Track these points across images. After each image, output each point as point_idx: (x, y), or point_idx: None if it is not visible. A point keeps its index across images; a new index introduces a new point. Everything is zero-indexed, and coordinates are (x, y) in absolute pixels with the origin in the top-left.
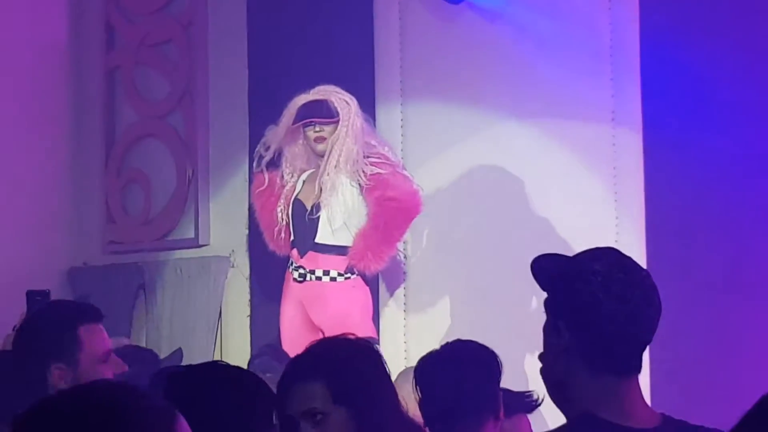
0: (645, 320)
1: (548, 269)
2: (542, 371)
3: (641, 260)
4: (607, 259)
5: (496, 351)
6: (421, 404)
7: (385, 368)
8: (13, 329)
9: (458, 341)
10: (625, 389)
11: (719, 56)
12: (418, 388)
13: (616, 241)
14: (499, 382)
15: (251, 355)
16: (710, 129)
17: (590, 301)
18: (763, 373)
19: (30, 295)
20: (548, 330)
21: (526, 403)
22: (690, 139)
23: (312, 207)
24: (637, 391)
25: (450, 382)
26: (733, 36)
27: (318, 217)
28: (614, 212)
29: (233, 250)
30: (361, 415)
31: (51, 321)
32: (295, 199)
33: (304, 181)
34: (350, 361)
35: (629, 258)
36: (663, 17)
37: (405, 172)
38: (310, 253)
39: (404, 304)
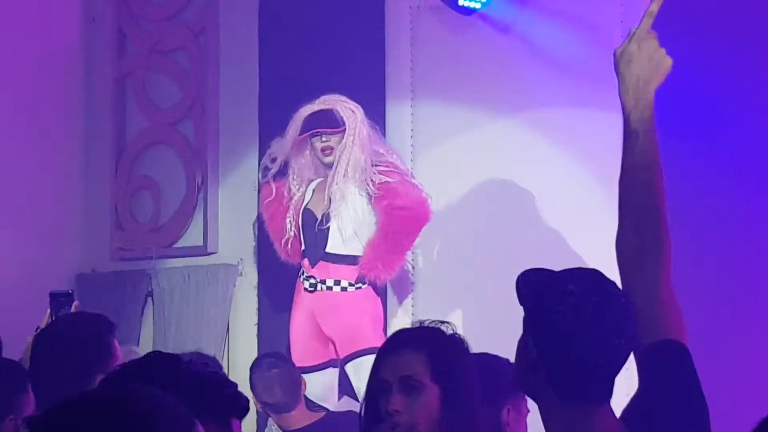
0: (613, 349)
1: (528, 285)
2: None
3: None
4: (585, 281)
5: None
6: None
7: (475, 366)
8: (37, 330)
9: (486, 355)
10: (593, 416)
11: (730, 65)
12: None
13: None
14: None
15: (257, 356)
16: (722, 138)
17: (558, 323)
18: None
19: (53, 296)
20: (520, 344)
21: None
22: (700, 148)
23: (322, 217)
24: (608, 418)
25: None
26: (745, 40)
27: (328, 227)
28: None
29: (241, 259)
30: (450, 400)
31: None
32: (305, 208)
33: (313, 191)
34: (453, 347)
35: (611, 283)
36: (674, 30)
37: (413, 181)
38: (321, 263)
39: (412, 315)
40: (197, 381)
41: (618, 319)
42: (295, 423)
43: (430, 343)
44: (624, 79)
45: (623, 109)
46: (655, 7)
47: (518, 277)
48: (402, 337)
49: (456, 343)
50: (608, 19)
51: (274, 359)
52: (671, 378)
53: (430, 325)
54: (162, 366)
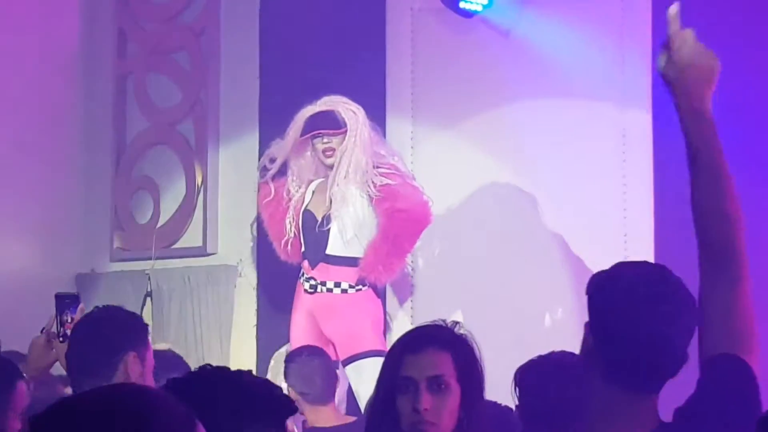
0: (662, 342)
1: (594, 277)
2: None
3: None
4: (642, 275)
5: (506, 366)
6: (521, 409)
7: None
8: (42, 331)
9: (561, 351)
10: (633, 404)
11: (735, 59)
12: (518, 393)
13: (625, 257)
14: None
15: (291, 351)
16: (725, 142)
17: (610, 314)
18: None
19: (59, 297)
20: (584, 331)
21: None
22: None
23: (323, 218)
24: (648, 409)
25: (554, 388)
26: (747, 34)
27: (329, 229)
28: (624, 229)
29: (241, 259)
30: (468, 401)
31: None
32: (305, 210)
33: (313, 192)
34: (469, 347)
35: (671, 278)
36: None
37: (415, 183)
38: (321, 265)
39: (411, 317)
40: (255, 388)
41: (670, 312)
42: (326, 419)
43: (453, 344)
44: (678, 92)
45: (681, 124)
46: (674, 9)
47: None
48: (424, 335)
49: (469, 343)
50: (609, 20)
51: (313, 350)
52: (724, 394)
53: (445, 325)
54: (220, 376)
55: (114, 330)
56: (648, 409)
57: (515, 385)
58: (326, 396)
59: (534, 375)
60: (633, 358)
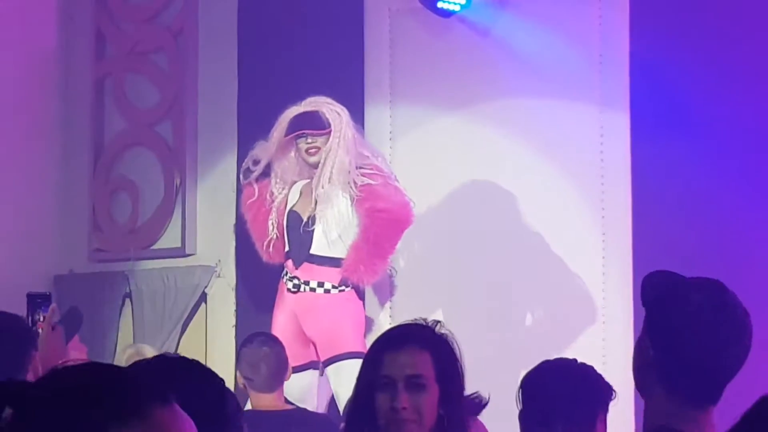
0: (728, 357)
1: (653, 288)
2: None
3: (627, 273)
4: (708, 291)
5: (488, 365)
6: (525, 413)
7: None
8: None
9: (565, 358)
10: (696, 419)
11: (710, 66)
12: (521, 398)
13: (603, 257)
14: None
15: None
16: (701, 143)
17: (678, 327)
18: (757, 377)
19: (31, 297)
20: (638, 343)
21: (473, 404)
22: (679, 160)
23: (308, 219)
24: (709, 422)
25: (559, 393)
26: (724, 39)
27: (313, 229)
28: (601, 228)
29: (219, 260)
30: (447, 399)
31: None
32: (291, 210)
33: (301, 192)
34: (449, 346)
35: (732, 295)
36: (653, 37)
37: (397, 183)
38: (305, 264)
39: (390, 317)
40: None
41: (734, 328)
42: (267, 405)
43: (433, 343)
44: None
45: None
46: None
47: (644, 278)
48: (404, 334)
49: (450, 342)
50: (587, 21)
51: (266, 338)
52: None
53: (426, 324)
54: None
55: (23, 330)
56: (711, 420)
57: (521, 389)
58: (271, 384)
59: (539, 380)
60: (701, 375)
